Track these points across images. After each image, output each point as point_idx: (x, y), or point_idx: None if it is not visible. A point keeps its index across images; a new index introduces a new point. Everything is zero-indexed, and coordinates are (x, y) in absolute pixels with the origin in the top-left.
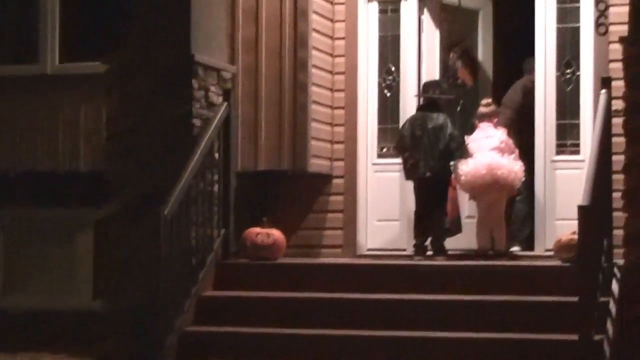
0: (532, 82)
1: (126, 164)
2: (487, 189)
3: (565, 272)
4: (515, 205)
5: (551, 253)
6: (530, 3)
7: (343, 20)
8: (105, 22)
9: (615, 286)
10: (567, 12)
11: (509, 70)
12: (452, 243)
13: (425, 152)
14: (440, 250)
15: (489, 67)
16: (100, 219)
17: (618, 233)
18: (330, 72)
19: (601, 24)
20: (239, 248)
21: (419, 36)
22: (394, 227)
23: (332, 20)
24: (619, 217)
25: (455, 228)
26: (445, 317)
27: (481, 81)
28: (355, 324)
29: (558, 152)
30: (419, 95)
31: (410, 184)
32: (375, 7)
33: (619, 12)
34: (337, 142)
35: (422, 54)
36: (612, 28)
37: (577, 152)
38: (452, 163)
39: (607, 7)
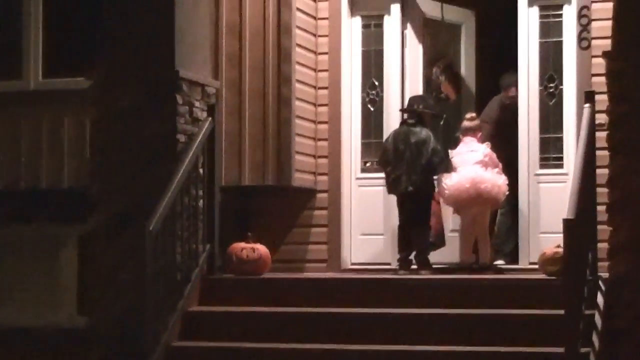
0: (508, 98)
1: (110, 180)
2: (470, 203)
3: (550, 285)
4: (497, 219)
5: (536, 266)
6: (513, 17)
7: (326, 35)
8: (89, 38)
9: (600, 299)
10: (550, 26)
11: (492, 85)
12: (436, 257)
13: (408, 167)
14: (424, 264)
15: (472, 81)
16: (84, 235)
17: (602, 246)
18: (314, 87)
19: (584, 39)
20: (224, 263)
21: (402, 51)
22: (378, 242)
23: (315, 35)
24: (603, 230)
25: (440, 242)
26: (430, 331)
27: (464, 95)
28: (340, 339)
29: (542, 166)
30: (403, 110)
31: (394, 198)
32: (358, 22)
33: (602, 26)
34: (321, 157)
35: (406, 68)
36: (594, 42)
37: (561, 166)
38: (435, 177)
39: (589, 22)
